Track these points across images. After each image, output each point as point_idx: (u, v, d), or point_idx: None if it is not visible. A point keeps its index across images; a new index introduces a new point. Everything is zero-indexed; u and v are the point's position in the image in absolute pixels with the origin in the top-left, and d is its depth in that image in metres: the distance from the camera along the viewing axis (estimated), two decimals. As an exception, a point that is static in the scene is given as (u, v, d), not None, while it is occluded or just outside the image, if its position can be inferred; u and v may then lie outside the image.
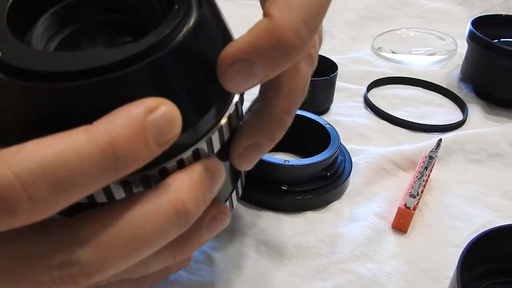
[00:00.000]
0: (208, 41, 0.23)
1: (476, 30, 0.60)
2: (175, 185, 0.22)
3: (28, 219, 0.18)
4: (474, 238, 0.34)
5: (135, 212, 0.21)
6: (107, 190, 0.22)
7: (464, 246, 0.33)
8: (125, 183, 0.22)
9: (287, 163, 0.42)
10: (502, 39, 0.65)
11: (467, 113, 0.59)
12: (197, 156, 0.23)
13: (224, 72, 0.22)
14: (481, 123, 0.57)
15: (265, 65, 0.22)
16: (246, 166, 0.27)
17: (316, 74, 0.56)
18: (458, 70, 0.67)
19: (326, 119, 0.48)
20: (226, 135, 0.26)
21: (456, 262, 0.32)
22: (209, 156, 0.24)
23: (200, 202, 0.23)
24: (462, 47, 0.68)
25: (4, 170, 0.17)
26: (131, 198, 0.21)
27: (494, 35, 0.63)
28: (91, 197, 0.22)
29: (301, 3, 0.22)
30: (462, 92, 0.63)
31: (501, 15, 0.67)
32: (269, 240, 0.40)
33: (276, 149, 0.50)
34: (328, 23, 0.82)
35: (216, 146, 0.25)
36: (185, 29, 0.21)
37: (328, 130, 0.46)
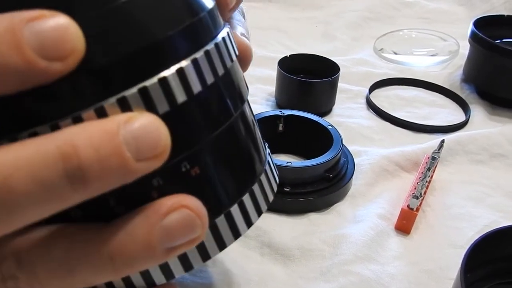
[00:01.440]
0: None
1: (478, 31, 0.60)
2: (73, 127, 0.17)
3: None
4: (477, 239, 0.34)
5: (3, 154, 0.16)
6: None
7: (467, 247, 0.33)
8: (33, 134, 0.18)
9: (289, 164, 0.42)
10: (504, 40, 0.65)
11: (469, 114, 0.59)
12: (126, 107, 0.18)
13: None
14: (484, 124, 0.57)
15: None
16: None
17: (318, 75, 0.57)
18: (460, 71, 0.67)
19: (328, 121, 0.48)
20: (180, 92, 0.20)
21: (460, 263, 0.32)
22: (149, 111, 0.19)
23: (108, 157, 0.17)
24: (464, 48, 0.68)
25: None
26: (9, 144, 0.17)
27: (496, 36, 0.63)
28: None
29: None
30: (465, 93, 0.63)
31: (503, 15, 0.67)
32: (272, 242, 0.40)
33: (279, 150, 0.50)
34: (330, 25, 0.82)
35: (162, 104, 0.19)
36: None
37: (331, 131, 0.46)
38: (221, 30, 0.23)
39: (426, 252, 0.40)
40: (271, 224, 0.41)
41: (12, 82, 0.16)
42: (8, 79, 0.16)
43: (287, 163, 0.42)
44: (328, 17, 0.85)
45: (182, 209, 0.19)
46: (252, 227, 0.41)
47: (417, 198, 0.42)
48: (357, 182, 0.46)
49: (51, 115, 0.18)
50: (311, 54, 0.61)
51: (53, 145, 0.16)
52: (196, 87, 0.20)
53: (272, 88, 0.60)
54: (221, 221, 0.23)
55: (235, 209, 0.23)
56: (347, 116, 0.58)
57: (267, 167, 0.26)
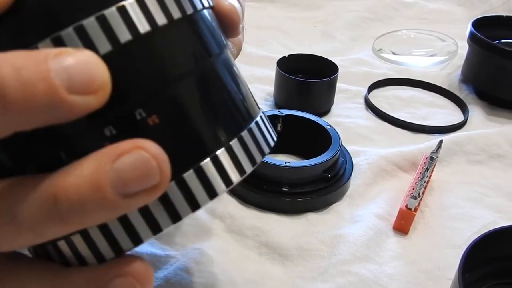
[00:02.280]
0: None
1: (476, 31, 0.60)
2: (5, 53, 0.16)
3: None
4: (475, 239, 0.34)
5: None
6: None
7: (465, 247, 0.33)
8: None
9: (288, 164, 0.42)
10: (503, 40, 0.65)
11: (468, 114, 0.59)
12: (87, 42, 0.18)
13: None
14: (482, 124, 0.57)
15: None
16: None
17: (316, 75, 0.57)
18: (459, 71, 0.67)
19: (327, 121, 0.48)
20: (123, 30, 0.18)
21: (458, 263, 0.32)
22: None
23: (32, 80, 0.16)
24: (463, 48, 0.68)
25: None
26: None
27: (495, 36, 0.63)
28: None
29: None
30: (463, 93, 0.63)
31: (502, 16, 0.67)
32: (270, 242, 0.40)
33: (277, 150, 0.50)
34: (329, 25, 0.83)
35: (103, 44, 0.18)
36: None
37: (329, 131, 0.46)
38: None
39: (424, 252, 0.40)
40: (269, 224, 0.41)
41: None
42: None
43: (285, 163, 0.42)
44: (327, 17, 0.85)
45: (136, 150, 0.17)
46: (250, 227, 0.41)
47: (415, 198, 0.42)
48: (355, 182, 0.46)
49: None
50: (309, 54, 0.61)
51: None
52: (143, 26, 0.19)
53: (270, 88, 0.60)
54: (190, 176, 0.20)
55: (207, 164, 0.21)
56: (345, 116, 0.58)
57: (253, 126, 0.24)
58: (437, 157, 0.47)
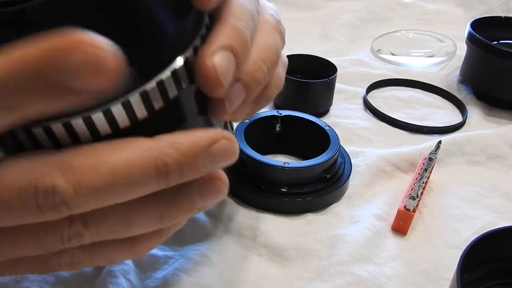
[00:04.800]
0: None
1: (475, 32, 0.60)
2: (165, 138, 0.23)
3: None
4: (474, 239, 0.34)
5: (116, 155, 0.21)
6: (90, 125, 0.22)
7: (464, 247, 0.33)
8: (105, 111, 0.22)
9: (286, 165, 0.42)
10: (501, 41, 0.65)
11: (466, 115, 0.59)
12: (163, 88, 0.23)
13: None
14: (481, 125, 0.57)
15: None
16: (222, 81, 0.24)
17: (315, 76, 0.57)
18: (458, 72, 0.67)
19: (325, 121, 0.48)
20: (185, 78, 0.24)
21: (456, 264, 0.32)
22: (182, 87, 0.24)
23: (189, 170, 0.23)
24: (462, 49, 0.68)
25: (64, 182, 0.20)
26: (117, 142, 0.22)
27: (493, 37, 0.63)
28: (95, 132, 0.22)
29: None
30: (462, 94, 0.63)
31: (500, 16, 0.67)
32: (268, 242, 0.40)
33: (276, 151, 0.50)
34: (328, 25, 0.83)
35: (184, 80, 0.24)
36: None
37: (328, 132, 0.46)
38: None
39: (423, 253, 0.40)
40: (268, 225, 0.41)
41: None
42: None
43: (284, 163, 0.42)
44: (326, 18, 0.85)
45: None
46: (249, 228, 0.41)
47: (414, 199, 0.42)
48: (354, 183, 0.46)
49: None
50: (308, 55, 0.61)
51: (152, 159, 0.22)
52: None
53: (269, 88, 0.60)
54: None
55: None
56: (344, 117, 0.58)
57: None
58: (435, 158, 0.47)
